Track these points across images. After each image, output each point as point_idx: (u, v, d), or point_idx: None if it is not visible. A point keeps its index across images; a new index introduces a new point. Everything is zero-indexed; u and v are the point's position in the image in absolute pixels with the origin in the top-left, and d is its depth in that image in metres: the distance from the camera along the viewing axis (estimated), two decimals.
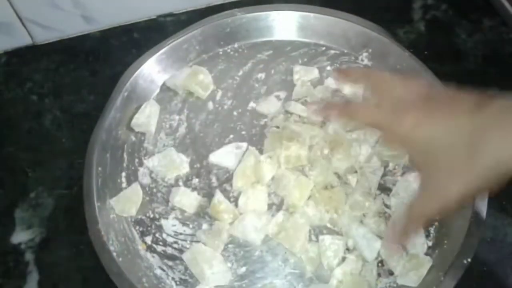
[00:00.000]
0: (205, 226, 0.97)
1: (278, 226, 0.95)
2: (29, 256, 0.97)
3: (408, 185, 0.98)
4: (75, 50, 1.21)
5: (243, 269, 0.94)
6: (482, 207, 0.92)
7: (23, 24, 1.16)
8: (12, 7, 1.12)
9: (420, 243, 0.93)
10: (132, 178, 1.02)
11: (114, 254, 0.91)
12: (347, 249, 0.94)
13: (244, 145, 1.04)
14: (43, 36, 1.21)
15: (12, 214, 1.01)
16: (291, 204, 0.97)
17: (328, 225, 0.96)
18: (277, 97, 1.10)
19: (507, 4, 1.19)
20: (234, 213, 0.97)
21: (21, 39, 1.20)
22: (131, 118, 1.06)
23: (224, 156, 1.03)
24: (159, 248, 0.95)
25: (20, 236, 0.99)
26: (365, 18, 1.14)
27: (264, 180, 0.98)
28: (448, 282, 0.87)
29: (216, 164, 1.04)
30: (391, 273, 0.92)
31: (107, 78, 1.11)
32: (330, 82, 1.11)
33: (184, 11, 1.25)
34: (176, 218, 0.98)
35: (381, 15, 1.21)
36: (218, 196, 0.98)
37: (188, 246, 0.95)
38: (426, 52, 1.17)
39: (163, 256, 0.95)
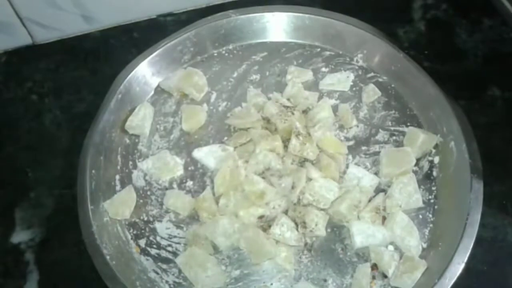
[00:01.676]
0: (195, 227, 0.97)
1: (245, 243, 0.94)
2: (29, 256, 0.98)
3: (403, 186, 0.97)
4: (75, 50, 1.22)
5: (238, 271, 0.94)
6: (477, 209, 0.91)
7: (23, 23, 1.17)
8: (12, 6, 1.12)
9: (415, 246, 0.93)
10: (126, 180, 1.02)
11: (108, 257, 0.91)
12: None
13: (231, 149, 1.03)
14: (43, 36, 1.21)
15: (12, 214, 1.02)
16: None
17: None
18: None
19: (507, 4, 1.18)
20: (214, 214, 0.97)
21: (21, 39, 1.20)
22: (125, 121, 1.06)
23: (207, 155, 1.03)
24: (153, 251, 0.96)
25: (20, 236, 1.00)
26: (366, 18, 1.13)
27: (242, 186, 0.98)
28: (442, 284, 0.87)
29: (198, 160, 1.04)
30: (385, 275, 0.92)
31: (107, 77, 1.10)
32: (324, 84, 1.11)
33: (184, 10, 1.25)
34: (170, 221, 0.98)
35: (381, 15, 1.20)
36: (206, 193, 0.99)
37: (182, 249, 0.96)
38: (426, 52, 1.16)
39: (157, 259, 0.95)
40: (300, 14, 1.13)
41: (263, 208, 0.96)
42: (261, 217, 0.96)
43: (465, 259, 0.87)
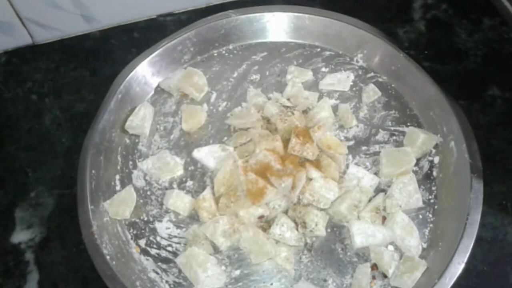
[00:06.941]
0: (195, 227, 0.97)
1: (245, 243, 0.94)
2: (29, 256, 0.98)
3: (403, 186, 0.97)
4: (75, 50, 1.22)
5: (238, 271, 0.94)
6: (477, 209, 0.91)
7: (23, 23, 1.17)
8: (12, 6, 1.12)
9: (415, 246, 0.93)
10: (126, 180, 1.02)
11: (108, 257, 0.91)
12: None
13: (231, 149, 1.03)
14: (43, 36, 1.21)
15: (12, 213, 1.02)
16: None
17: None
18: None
19: (507, 4, 1.18)
20: (214, 214, 0.97)
21: (21, 39, 1.21)
22: (125, 121, 1.06)
23: (207, 155, 1.03)
24: (153, 251, 0.96)
25: (20, 236, 1.00)
26: (366, 18, 1.13)
27: (242, 186, 0.97)
28: (442, 284, 0.87)
29: (198, 160, 1.04)
30: (385, 275, 0.92)
31: (107, 77, 1.11)
32: (324, 84, 1.11)
33: (184, 10, 1.25)
34: (170, 221, 0.98)
35: (381, 14, 1.20)
36: (206, 193, 0.98)
37: (182, 249, 0.95)
38: (426, 52, 1.16)
39: (157, 259, 0.95)
40: (300, 14, 1.13)
41: (263, 208, 0.96)
42: (261, 217, 0.96)
43: (465, 259, 0.87)
